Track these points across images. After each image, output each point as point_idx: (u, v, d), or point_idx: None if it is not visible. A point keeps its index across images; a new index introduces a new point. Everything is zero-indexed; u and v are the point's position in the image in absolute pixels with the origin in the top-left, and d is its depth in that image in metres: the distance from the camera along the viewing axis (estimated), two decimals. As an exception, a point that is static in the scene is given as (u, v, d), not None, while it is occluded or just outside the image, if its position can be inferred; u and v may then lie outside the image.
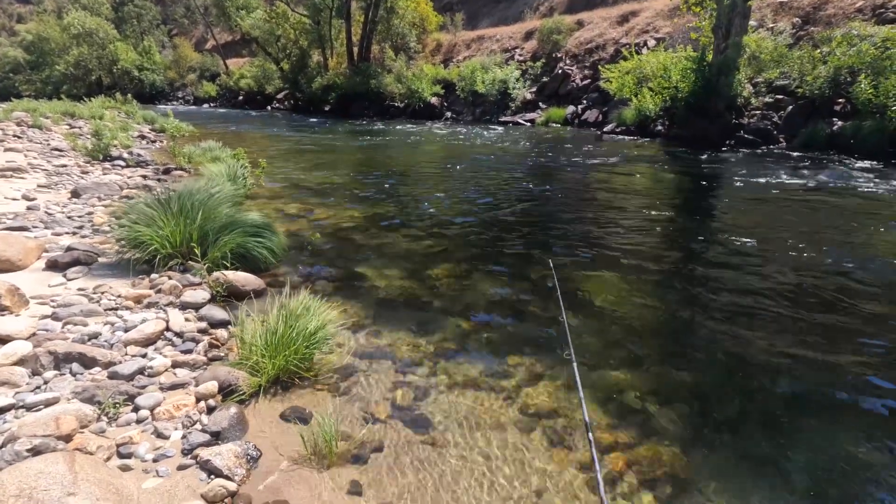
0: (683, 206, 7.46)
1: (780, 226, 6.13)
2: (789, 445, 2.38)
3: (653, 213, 6.65)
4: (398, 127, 20.05)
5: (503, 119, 21.31)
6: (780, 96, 13.82)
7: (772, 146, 12.94)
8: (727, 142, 13.47)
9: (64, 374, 2.58)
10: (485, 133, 17.30)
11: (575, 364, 2.29)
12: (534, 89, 22.26)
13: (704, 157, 11.70)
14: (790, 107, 13.36)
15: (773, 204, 7.23)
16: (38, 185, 6.61)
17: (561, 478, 2.18)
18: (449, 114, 23.87)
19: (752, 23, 15.10)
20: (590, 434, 1.84)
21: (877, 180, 8.60)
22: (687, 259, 5.08)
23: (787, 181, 8.64)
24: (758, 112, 13.99)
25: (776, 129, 13.35)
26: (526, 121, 20.39)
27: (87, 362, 2.66)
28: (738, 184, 8.83)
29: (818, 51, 13.26)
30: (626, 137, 15.41)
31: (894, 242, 5.64)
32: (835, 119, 12.40)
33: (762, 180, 8.80)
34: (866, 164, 10.26)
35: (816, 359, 3.09)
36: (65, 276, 3.79)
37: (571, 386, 2.79)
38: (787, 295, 4.01)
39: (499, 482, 2.15)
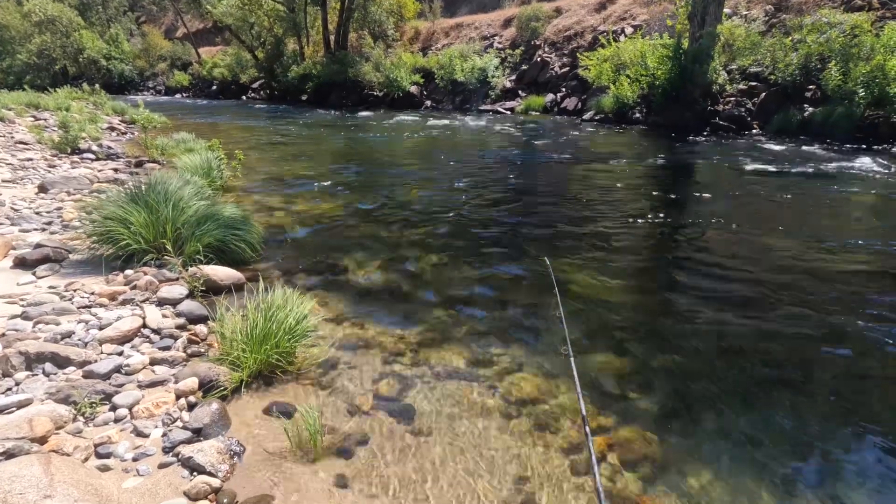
0: (660, 194, 7.57)
1: (755, 210, 6.27)
2: (767, 424, 2.45)
3: (631, 200, 6.73)
4: (378, 116, 19.81)
5: (483, 107, 21.24)
6: (754, 83, 14.07)
7: (746, 132, 13.18)
8: (703, 129, 13.68)
9: (36, 375, 2.51)
10: (465, 122, 17.23)
11: (573, 360, 2.31)
12: (513, 77, 22.20)
13: (681, 144, 11.87)
14: (763, 94, 13.62)
15: (748, 189, 7.39)
16: (3, 180, 6.35)
17: (545, 463, 2.22)
18: (429, 102, 23.68)
19: (726, 10, 15.29)
20: (587, 427, 1.86)
21: (845, 164, 8.84)
22: (666, 245, 5.17)
23: (760, 167, 8.82)
24: (732, 99, 14.23)
25: (750, 116, 13.60)
26: (506, 109, 20.36)
27: (61, 362, 2.58)
28: (714, 170, 8.99)
29: (789, 38, 13.51)
30: (605, 125, 15.52)
31: (863, 222, 5.83)
32: (806, 105, 12.69)
33: (737, 166, 8.97)
34: (836, 148, 10.54)
35: (795, 340, 3.19)
36: (34, 273, 3.66)
37: (553, 373, 2.82)
38: (767, 277, 4.11)
39: (484, 469, 2.17)
